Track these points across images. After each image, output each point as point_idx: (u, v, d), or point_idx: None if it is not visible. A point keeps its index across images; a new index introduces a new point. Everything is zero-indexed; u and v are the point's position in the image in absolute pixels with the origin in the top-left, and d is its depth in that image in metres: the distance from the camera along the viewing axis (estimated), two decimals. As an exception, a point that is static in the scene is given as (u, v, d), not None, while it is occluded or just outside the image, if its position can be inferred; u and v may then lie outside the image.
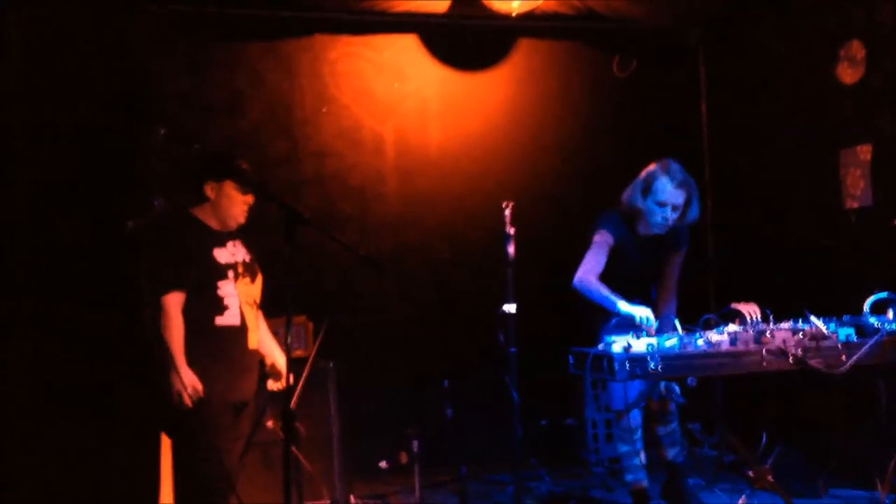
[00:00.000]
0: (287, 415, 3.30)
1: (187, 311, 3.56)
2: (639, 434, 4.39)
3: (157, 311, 3.53)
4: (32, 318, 4.28)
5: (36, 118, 4.46)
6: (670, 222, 4.33)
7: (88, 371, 4.34)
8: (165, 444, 3.96)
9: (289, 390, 3.31)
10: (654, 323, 3.98)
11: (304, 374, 3.50)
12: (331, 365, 4.90)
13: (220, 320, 3.61)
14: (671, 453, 4.50)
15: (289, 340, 3.36)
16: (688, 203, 4.33)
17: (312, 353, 3.67)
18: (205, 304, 3.59)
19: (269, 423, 4.27)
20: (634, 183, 4.39)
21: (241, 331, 3.67)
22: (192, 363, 3.54)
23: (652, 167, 4.36)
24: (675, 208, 4.31)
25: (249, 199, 3.72)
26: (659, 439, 4.50)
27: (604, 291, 4.16)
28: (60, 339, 4.34)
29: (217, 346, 3.60)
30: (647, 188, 4.32)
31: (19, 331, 4.25)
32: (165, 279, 3.55)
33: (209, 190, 3.68)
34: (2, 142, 4.34)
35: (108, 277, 4.49)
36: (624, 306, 4.06)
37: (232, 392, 3.63)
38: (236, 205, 3.70)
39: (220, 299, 3.61)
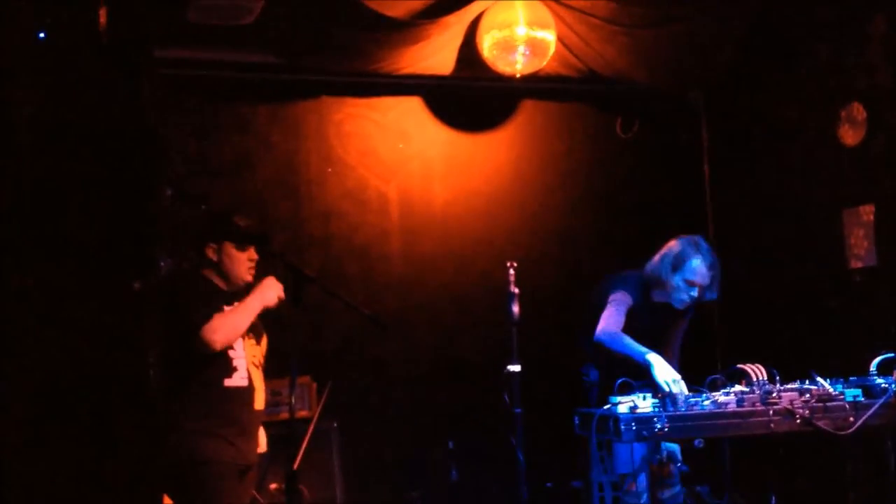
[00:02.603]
0: (291, 477, 3.27)
1: (197, 373, 3.54)
2: (646, 498, 4.33)
3: (206, 335, 3.46)
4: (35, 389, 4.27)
5: (42, 181, 4.49)
6: (694, 301, 4.34)
7: (90, 433, 4.31)
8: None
9: (292, 452, 3.28)
10: (683, 390, 3.86)
11: (308, 435, 3.48)
12: (334, 425, 4.87)
13: (229, 381, 3.58)
14: (677, 517, 4.44)
15: (292, 401, 3.34)
16: (712, 283, 4.34)
17: (316, 415, 3.66)
18: (214, 366, 3.56)
19: (273, 486, 4.23)
20: (663, 255, 4.36)
21: (248, 391, 3.64)
22: (201, 426, 3.51)
23: (683, 244, 4.33)
24: (702, 288, 4.32)
25: (252, 254, 3.71)
26: None
27: (630, 342, 4.14)
28: (62, 395, 4.33)
29: (227, 408, 3.57)
30: (679, 265, 4.30)
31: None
32: (202, 311, 3.49)
33: (211, 252, 3.69)
34: (8, 204, 4.37)
35: (113, 340, 4.49)
36: (653, 358, 4.01)
37: (240, 455, 3.59)
38: (240, 263, 3.69)
39: (230, 360, 3.59)
